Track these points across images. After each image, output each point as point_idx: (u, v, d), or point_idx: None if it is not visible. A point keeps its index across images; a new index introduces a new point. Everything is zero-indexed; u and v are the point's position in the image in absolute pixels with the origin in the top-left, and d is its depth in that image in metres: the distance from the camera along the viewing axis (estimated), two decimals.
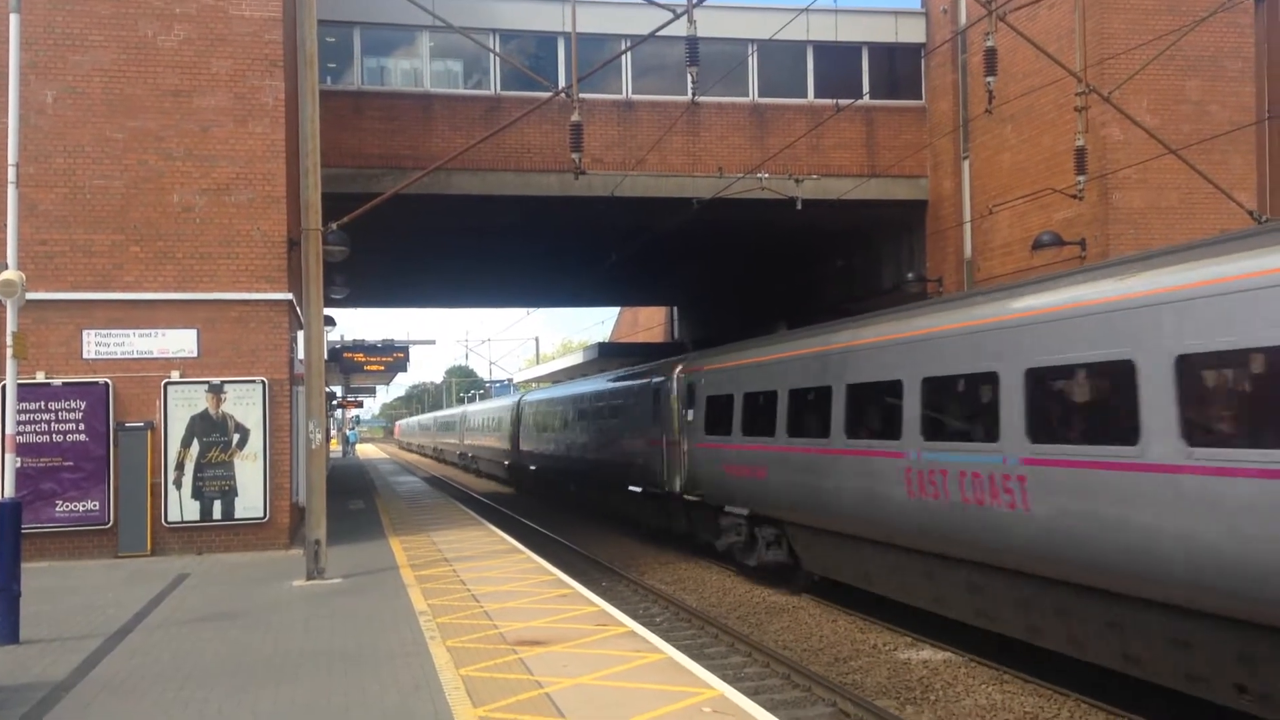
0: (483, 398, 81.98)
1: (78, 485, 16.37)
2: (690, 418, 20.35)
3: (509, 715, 7.75)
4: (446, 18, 17.51)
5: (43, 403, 16.26)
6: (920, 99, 24.99)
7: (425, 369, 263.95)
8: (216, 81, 17.02)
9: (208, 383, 16.86)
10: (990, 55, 13.87)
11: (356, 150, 22.41)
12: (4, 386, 12.99)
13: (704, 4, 15.21)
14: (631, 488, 24.24)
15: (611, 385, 27.47)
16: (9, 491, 10.94)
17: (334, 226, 15.41)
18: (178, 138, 16.89)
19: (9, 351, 11.14)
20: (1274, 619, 7.90)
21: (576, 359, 48.66)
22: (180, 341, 16.84)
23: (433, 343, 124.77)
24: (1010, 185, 21.50)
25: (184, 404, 16.79)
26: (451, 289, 43.20)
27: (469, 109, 23.15)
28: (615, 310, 62.00)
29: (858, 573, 14.61)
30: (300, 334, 18.82)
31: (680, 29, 13.86)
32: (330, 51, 22.49)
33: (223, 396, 16.89)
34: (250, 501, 16.94)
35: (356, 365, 33.90)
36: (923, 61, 24.89)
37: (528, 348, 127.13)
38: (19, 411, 14.84)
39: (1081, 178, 15.54)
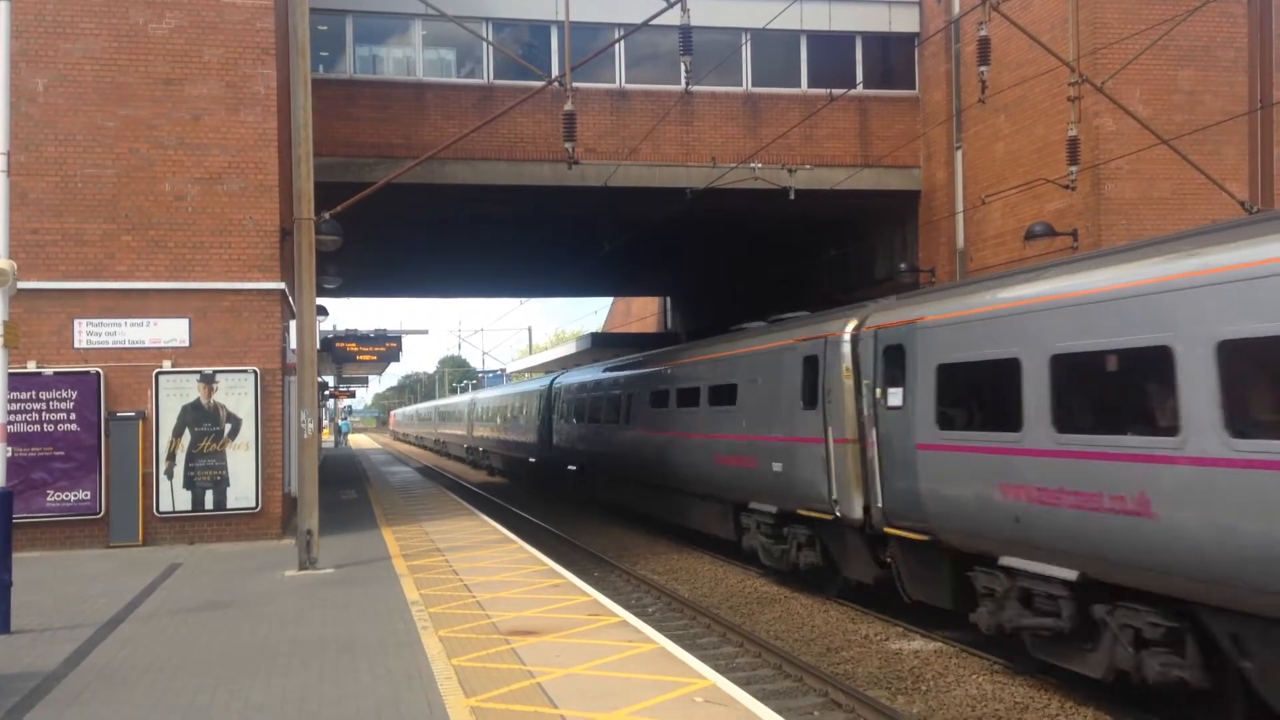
0: (476, 387, 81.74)
1: (69, 475, 16.34)
2: (898, 401, 12.48)
3: (501, 705, 7.76)
4: (439, 6, 17.44)
5: (34, 392, 16.21)
6: (914, 89, 24.97)
7: (418, 359, 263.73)
8: (208, 70, 16.95)
9: (199, 372, 16.82)
10: (983, 45, 13.87)
11: (349, 139, 22.34)
12: None
13: None
14: (757, 506, 16.68)
15: (716, 358, 18.93)
16: (0, 481, 10.90)
17: (326, 216, 15.36)
18: (169, 126, 16.82)
19: (0, 341, 11.10)
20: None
21: (570, 349, 48.63)
22: (172, 331, 16.80)
23: (425, 332, 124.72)
24: (1003, 175, 21.51)
25: (176, 394, 16.75)
26: (444, 279, 43.15)
27: (462, 98, 23.08)
28: (609, 300, 62.00)
29: None
30: (292, 323, 18.74)
31: (674, 18, 13.85)
32: (322, 40, 22.40)
33: (215, 386, 16.85)
34: (242, 491, 16.92)
35: (349, 355, 33.84)
36: (916, 51, 24.87)
37: (520, 338, 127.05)
38: (10, 401, 14.77)
39: (1074, 168, 15.54)
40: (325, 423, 61.60)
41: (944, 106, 23.74)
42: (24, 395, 16.07)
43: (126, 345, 16.65)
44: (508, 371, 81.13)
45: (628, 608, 13.40)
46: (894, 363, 12.74)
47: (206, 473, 16.83)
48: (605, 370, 27.84)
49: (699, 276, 40.43)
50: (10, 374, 12.43)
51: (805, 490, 14.83)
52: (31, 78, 16.30)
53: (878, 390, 13.02)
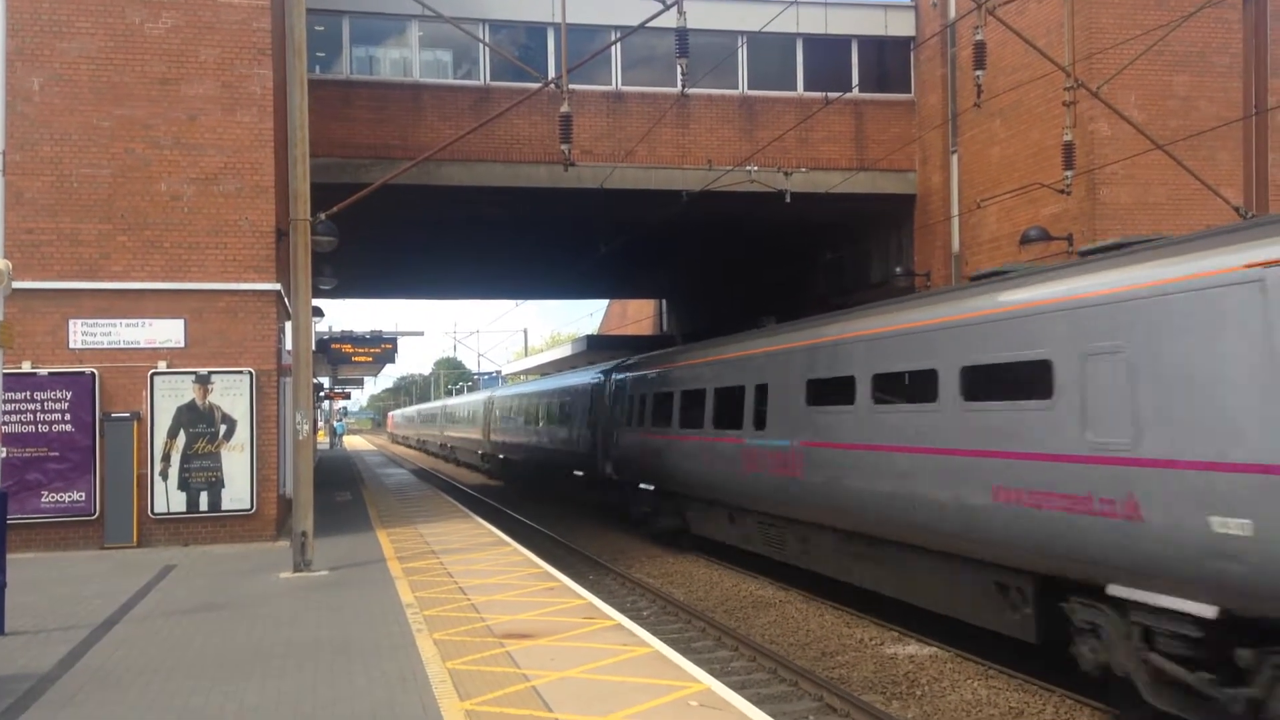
0: (471, 389, 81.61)
1: (64, 476, 16.30)
2: None
3: (496, 708, 7.76)
4: (436, 7, 17.43)
5: (29, 393, 16.18)
6: (909, 92, 25.00)
7: (413, 361, 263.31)
8: (204, 70, 16.93)
9: (195, 373, 16.80)
10: (979, 49, 13.89)
11: (345, 140, 22.33)
12: None
13: None
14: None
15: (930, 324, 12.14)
16: None
17: (322, 217, 15.35)
18: (165, 126, 16.80)
19: None
20: None
21: (565, 351, 48.61)
22: (167, 332, 16.77)
23: (421, 334, 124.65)
24: (998, 180, 21.54)
25: (171, 394, 16.73)
26: (440, 280, 43.14)
27: (458, 99, 23.08)
28: (604, 303, 62.00)
29: None
30: (288, 324, 18.74)
31: (670, 20, 13.85)
32: (319, 40, 22.38)
33: (210, 387, 16.83)
34: (237, 493, 16.90)
35: (344, 356, 33.78)
36: (912, 55, 24.90)
37: (516, 340, 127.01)
38: (5, 401, 14.76)
39: (1069, 173, 15.56)
40: (320, 424, 61.52)
41: (939, 110, 23.78)
42: (19, 396, 16.04)
43: (121, 346, 16.62)
44: (503, 374, 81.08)
45: (623, 611, 13.40)
46: None
47: (201, 474, 16.80)
48: (706, 355, 19.79)
49: (695, 279, 40.44)
50: (5, 374, 12.43)
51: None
52: (27, 77, 16.27)
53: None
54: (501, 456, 43.09)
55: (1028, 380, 10.32)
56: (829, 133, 24.28)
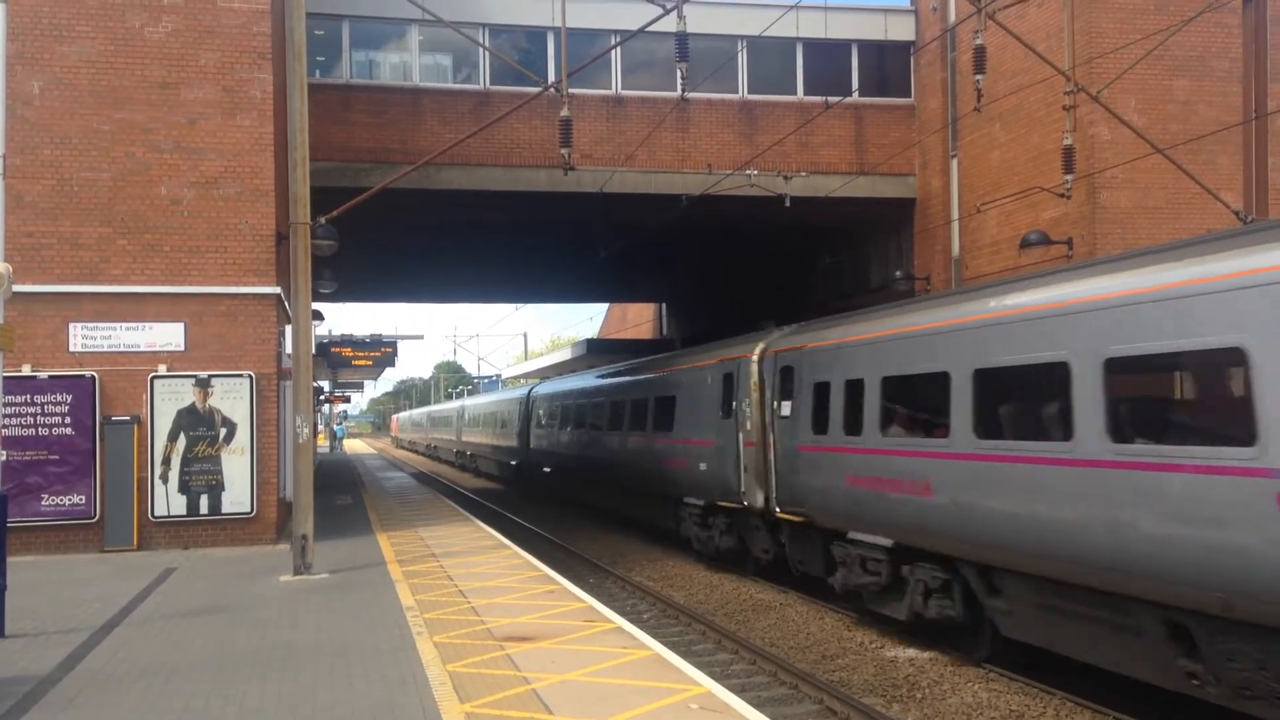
0: (471, 393, 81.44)
1: (64, 479, 16.30)
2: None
3: (496, 711, 7.75)
4: (436, 12, 17.47)
5: (29, 396, 16.18)
6: (909, 97, 25.02)
7: (413, 364, 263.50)
8: (204, 74, 16.95)
9: (195, 376, 16.80)
10: (979, 53, 13.90)
11: (345, 144, 22.35)
12: None
13: (693, 0, 15.20)
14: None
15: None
16: None
17: (322, 220, 15.36)
18: (165, 130, 16.82)
19: None
20: None
21: (565, 355, 48.63)
22: (167, 335, 16.78)
23: (421, 337, 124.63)
24: (998, 184, 21.56)
25: (171, 398, 16.73)
26: (440, 284, 43.15)
27: (458, 103, 23.10)
28: (604, 307, 62.02)
29: None
30: (288, 328, 18.75)
31: (670, 25, 13.85)
32: (319, 45, 22.41)
33: (210, 390, 16.83)
34: (237, 496, 16.89)
35: (344, 360, 33.76)
36: (912, 59, 24.92)
37: (516, 344, 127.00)
38: (5, 404, 14.76)
39: (1069, 177, 15.57)
40: (321, 428, 61.49)
41: (939, 115, 23.80)
42: (19, 399, 16.04)
43: (122, 349, 16.63)
44: (503, 377, 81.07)
45: (623, 614, 13.39)
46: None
47: (201, 477, 16.80)
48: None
49: (695, 283, 40.45)
50: (5, 377, 12.44)
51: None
52: (28, 81, 16.29)
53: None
54: (548, 470, 33.42)
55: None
56: (829, 137, 24.30)
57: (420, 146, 22.10)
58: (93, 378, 16.44)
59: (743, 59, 24.12)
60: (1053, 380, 9.88)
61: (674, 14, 13.41)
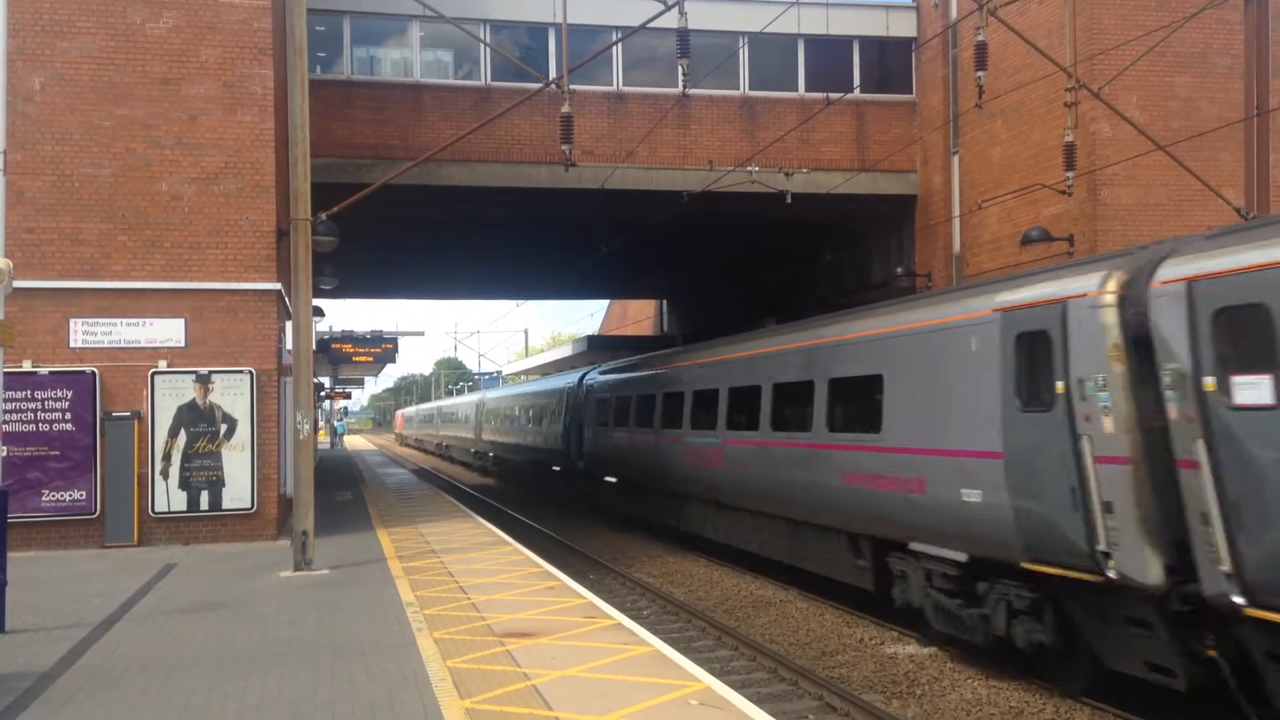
0: (471, 389, 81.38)
1: (64, 475, 16.31)
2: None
3: (496, 707, 7.76)
4: (437, 8, 17.43)
5: (29, 391, 16.18)
6: (910, 93, 25.00)
7: (414, 361, 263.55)
8: (205, 70, 16.94)
9: (195, 373, 16.80)
10: (981, 50, 13.88)
11: (346, 140, 22.34)
12: None
13: None
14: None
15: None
16: None
17: (323, 216, 15.36)
18: (166, 126, 16.81)
19: None
20: None
21: (565, 351, 48.63)
22: (168, 331, 16.77)
23: (421, 334, 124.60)
24: (1000, 180, 21.54)
25: (171, 394, 16.73)
26: (440, 280, 43.15)
27: (459, 100, 23.08)
28: (605, 303, 62.01)
29: None
30: (288, 324, 18.76)
31: (671, 21, 13.84)
32: (320, 40, 22.39)
33: (210, 386, 16.83)
34: (237, 492, 16.90)
35: (345, 356, 33.80)
36: (913, 56, 24.90)
37: (517, 340, 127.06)
38: (5, 400, 14.76)
39: (1071, 173, 15.56)
40: (321, 424, 61.51)
41: (941, 111, 23.78)
42: (19, 395, 16.04)
43: (122, 345, 16.63)
44: (504, 374, 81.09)
45: (623, 610, 13.38)
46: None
47: (202, 473, 16.81)
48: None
49: (696, 279, 40.44)
50: (6, 373, 12.43)
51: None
52: (28, 76, 16.28)
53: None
54: (612, 480, 25.81)
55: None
56: (830, 133, 24.29)
57: (421, 143, 22.09)
58: (93, 373, 16.45)
59: (744, 55, 24.10)
60: None
61: (675, 10, 13.39)
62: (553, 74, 21.74)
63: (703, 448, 19.08)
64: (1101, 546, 9.25)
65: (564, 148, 14.84)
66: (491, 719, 7.48)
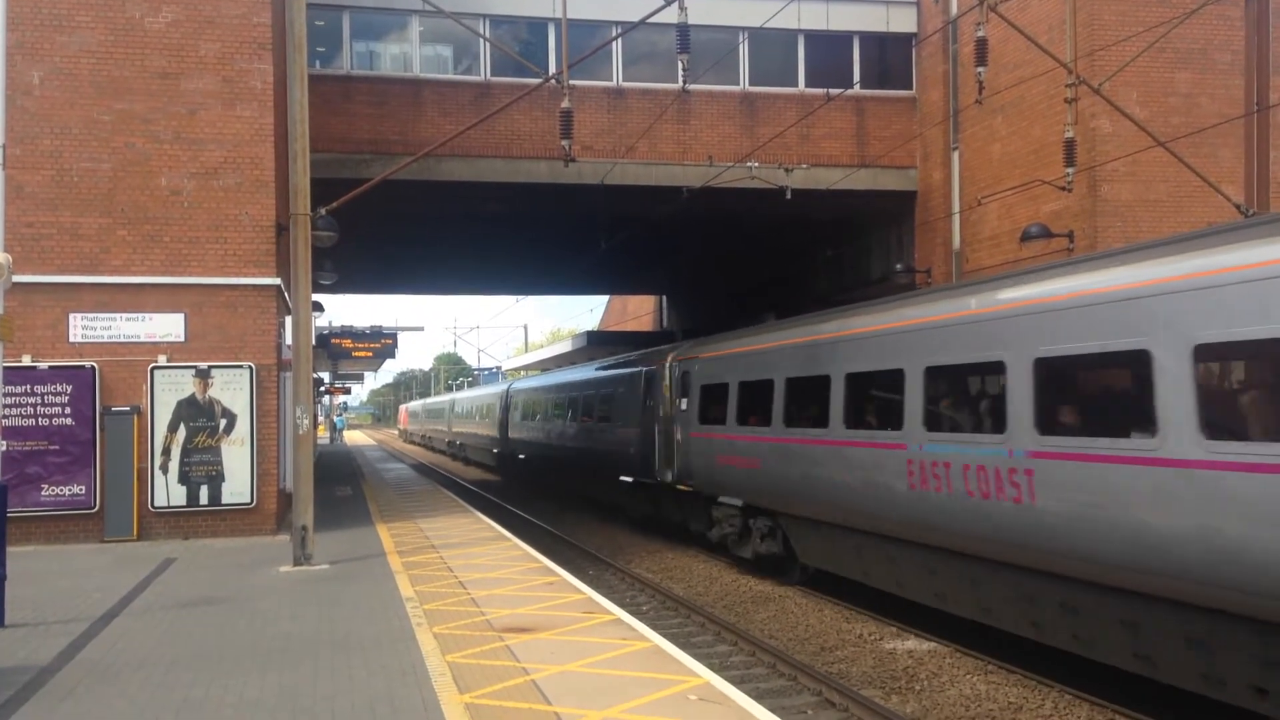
0: (471, 385, 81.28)
1: (64, 469, 16.31)
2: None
3: (496, 702, 7.76)
4: (437, 3, 17.41)
5: (29, 386, 16.18)
6: (911, 89, 24.98)
7: (413, 356, 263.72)
8: (205, 64, 16.92)
9: (195, 367, 16.80)
10: (981, 45, 13.87)
11: (345, 135, 22.32)
12: None
13: None
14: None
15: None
16: None
17: (323, 212, 15.35)
18: (165, 120, 16.80)
19: None
20: None
21: (565, 347, 48.61)
22: (167, 326, 16.77)
23: (421, 329, 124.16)
24: (1000, 176, 21.53)
25: (171, 389, 16.73)
26: (440, 276, 43.13)
27: (459, 95, 23.06)
28: (604, 299, 61.99)
29: None
30: (288, 319, 18.75)
31: (671, 16, 13.84)
32: (319, 35, 22.37)
33: (210, 381, 16.84)
34: (237, 487, 16.90)
35: (344, 351, 33.77)
36: (913, 51, 24.89)
37: (516, 335, 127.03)
38: (5, 395, 14.76)
39: (1070, 170, 15.56)
40: (320, 419, 61.46)
41: (941, 107, 23.76)
42: (19, 389, 16.04)
43: (122, 340, 16.63)
44: (503, 369, 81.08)
45: (622, 606, 13.40)
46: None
47: (201, 468, 16.81)
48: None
49: (695, 275, 40.43)
50: (5, 367, 12.44)
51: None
52: (28, 71, 16.26)
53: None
54: (742, 506, 17.59)
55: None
56: (830, 129, 24.27)
57: (421, 138, 22.08)
58: (93, 368, 16.45)
59: (744, 51, 24.07)
60: None
61: (675, 5, 13.38)
62: (552, 69, 21.71)
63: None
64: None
65: (564, 143, 14.83)
66: (491, 714, 7.49)
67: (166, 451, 16.71)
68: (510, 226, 30.60)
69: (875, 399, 13.71)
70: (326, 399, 65.23)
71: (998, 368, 10.65)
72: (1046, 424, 10.01)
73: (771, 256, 33.08)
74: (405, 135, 22.45)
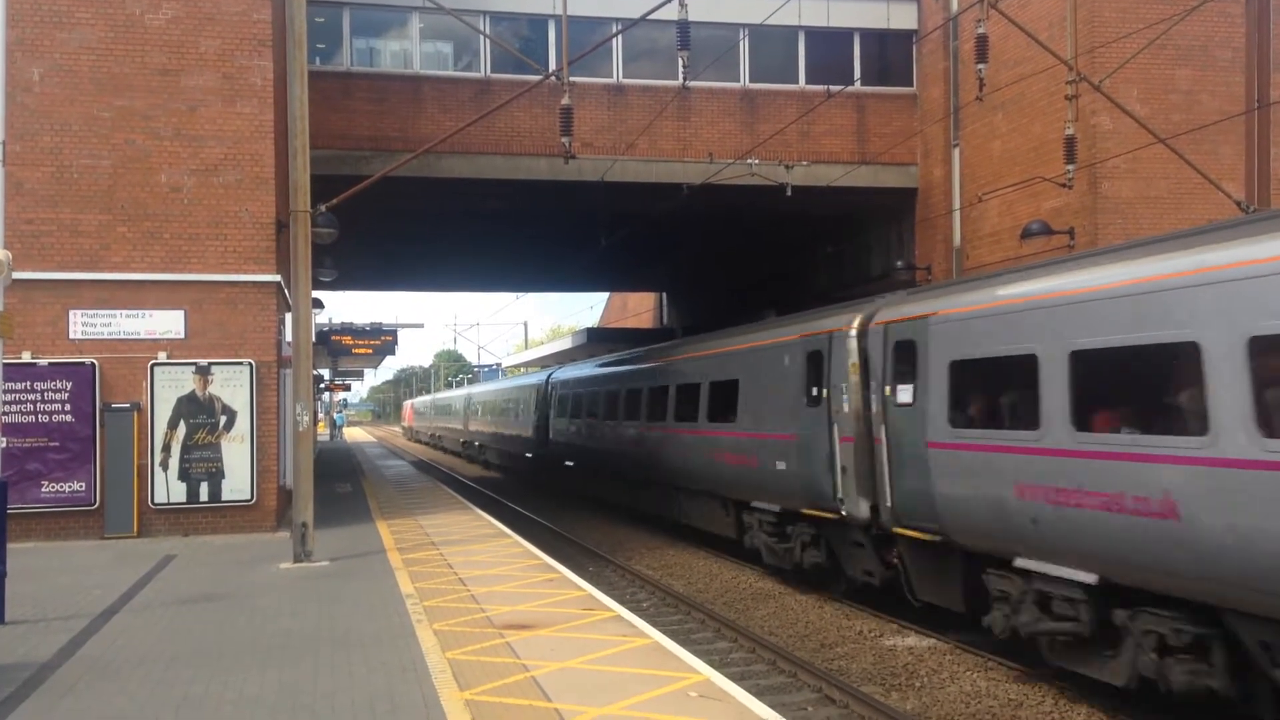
0: (472, 382, 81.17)
1: (64, 466, 16.31)
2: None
3: (496, 699, 7.76)
4: None
5: (29, 383, 16.18)
6: (911, 86, 24.97)
7: (413, 353, 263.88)
8: (205, 61, 16.91)
9: (195, 364, 16.80)
10: (981, 42, 13.86)
11: (345, 132, 22.31)
12: None
13: None
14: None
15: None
16: None
17: (323, 208, 15.34)
18: (165, 117, 16.78)
19: None
20: None
21: (565, 344, 48.62)
22: (167, 323, 16.77)
23: (421, 326, 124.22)
24: (1000, 173, 21.52)
25: (171, 385, 16.73)
26: (440, 272, 43.14)
27: (459, 91, 23.05)
28: (604, 295, 62.00)
29: None
30: (288, 316, 18.74)
31: (671, 13, 13.82)
32: (319, 32, 22.35)
33: (210, 378, 16.83)
34: (237, 484, 16.90)
35: (344, 348, 33.78)
36: (914, 48, 24.87)
37: (516, 332, 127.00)
38: (5, 391, 14.75)
39: (1071, 166, 15.55)
40: (320, 416, 61.46)
41: (941, 104, 23.74)
42: (19, 386, 16.03)
43: (122, 336, 16.62)
44: (504, 366, 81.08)
45: (622, 603, 13.40)
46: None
47: (201, 465, 16.81)
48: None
49: (695, 272, 40.42)
50: (5, 364, 12.43)
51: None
52: (27, 67, 16.25)
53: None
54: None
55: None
56: (830, 126, 24.26)
57: (421, 134, 22.06)
58: (93, 365, 16.44)
59: (744, 47, 24.06)
60: None
61: (676, 2, 13.36)
62: (553, 66, 21.71)
63: None
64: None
65: (564, 140, 14.82)
66: (491, 710, 7.49)
67: (166, 448, 16.71)
68: (510, 223, 30.59)
69: None
70: (326, 396, 65.26)
71: None
72: None
73: (772, 253, 33.07)
74: (405, 132, 22.44)
